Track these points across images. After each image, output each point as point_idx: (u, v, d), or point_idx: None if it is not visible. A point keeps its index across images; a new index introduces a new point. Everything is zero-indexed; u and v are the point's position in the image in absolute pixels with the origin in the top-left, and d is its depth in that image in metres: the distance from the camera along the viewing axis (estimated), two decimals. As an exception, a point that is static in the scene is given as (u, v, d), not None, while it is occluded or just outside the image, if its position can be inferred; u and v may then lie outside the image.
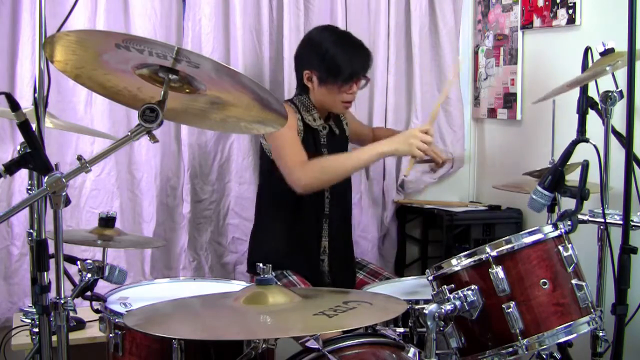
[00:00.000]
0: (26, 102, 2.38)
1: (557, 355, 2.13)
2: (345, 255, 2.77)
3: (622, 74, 2.14)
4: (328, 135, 2.68)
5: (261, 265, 1.65)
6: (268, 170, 2.66)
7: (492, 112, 3.38)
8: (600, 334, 2.13)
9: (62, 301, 1.53)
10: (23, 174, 2.27)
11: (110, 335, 1.90)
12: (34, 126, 1.57)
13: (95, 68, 1.60)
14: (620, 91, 2.20)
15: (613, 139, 2.22)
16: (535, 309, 1.66)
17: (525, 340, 1.65)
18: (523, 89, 3.18)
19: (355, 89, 2.59)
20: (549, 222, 2.02)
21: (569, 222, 1.73)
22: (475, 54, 3.48)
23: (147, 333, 1.68)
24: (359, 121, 3.06)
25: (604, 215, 1.92)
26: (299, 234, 2.64)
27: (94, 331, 2.38)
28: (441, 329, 1.64)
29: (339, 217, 2.72)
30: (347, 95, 2.58)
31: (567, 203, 1.86)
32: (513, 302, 1.65)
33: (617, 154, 2.15)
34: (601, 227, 2.20)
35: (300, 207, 2.61)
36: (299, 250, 2.63)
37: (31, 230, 2.13)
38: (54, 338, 1.55)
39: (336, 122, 2.76)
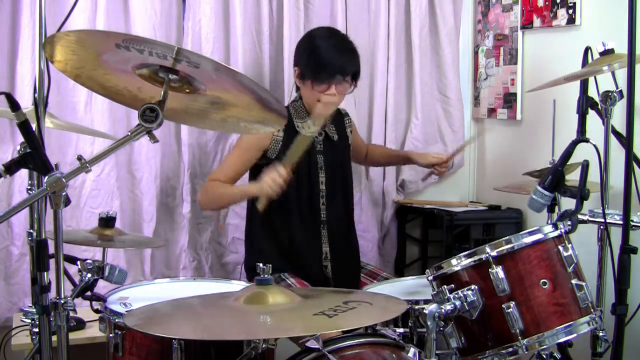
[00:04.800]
0: (26, 102, 2.37)
1: (557, 355, 2.13)
2: (350, 259, 2.75)
3: (622, 74, 2.14)
4: (324, 142, 2.66)
5: (261, 265, 1.65)
6: (256, 177, 2.64)
7: (492, 112, 3.38)
8: (600, 334, 2.13)
9: (62, 301, 1.53)
10: (23, 174, 2.27)
11: (110, 335, 1.90)
12: (34, 126, 1.57)
13: (95, 68, 1.60)
14: (620, 91, 2.20)
15: (613, 139, 2.22)
16: (535, 309, 1.66)
17: (525, 340, 1.65)
18: (523, 89, 3.18)
19: (333, 90, 2.51)
20: (549, 222, 2.02)
21: (569, 222, 1.73)
22: (475, 54, 3.48)
23: (147, 333, 1.68)
24: (359, 135, 3.03)
25: (604, 215, 1.92)
26: (293, 241, 2.61)
27: (94, 331, 2.38)
28: (441, 329, 1.64)
29: (339, 222, 2.70)
30: (324, 96, 2.52)
31: (567, 203, 1.85)
32: (513, 302, 1.65)
33: (617, 154, 2.15)
34: (601, 227, 2.21)
35: (292, 214, 2.60)
36: (297, 257, 2.60)
37: (31, 230, 2.13)
38: (54, 338, 1.55)
39: (337, 128, 2.73)
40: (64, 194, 1.47)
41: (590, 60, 2.29)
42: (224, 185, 2.58)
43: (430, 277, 1.78)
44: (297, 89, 2.66)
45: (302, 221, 2.61)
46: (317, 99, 2.54)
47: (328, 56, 2.50)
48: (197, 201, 2.85)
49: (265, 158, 2.58)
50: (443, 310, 1.61)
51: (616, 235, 1.78)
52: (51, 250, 1.53)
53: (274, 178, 2.34)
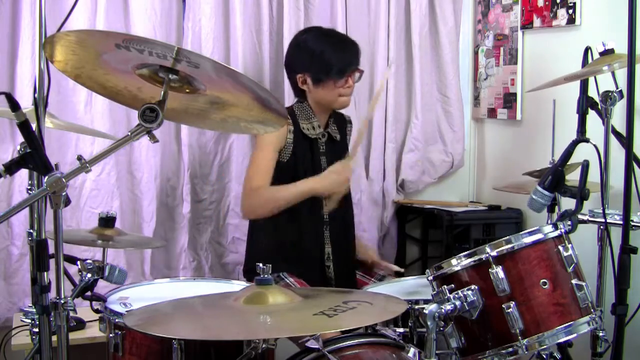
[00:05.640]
0: (26, 102, 2.37)
1: (557, 355, 2.13)
2: (349, 259, 2.75)
3: (622, 74, 2.14)
4: (327, 143, 2.67)
5: (261, 265, 1.65)
6: None
7: (492, 112, 3.38)
8: (600, 334, 2.13)
9: (62, 301, 1.53)
10: (23, 174, 2.26)
11: (110, 335, 1.90)
12: (34, 126, 1.57)
13: (95, 68, 1.60)
14: (620, 91, 2.21)
15: (613, 139, 2.22)
16: (535, 309, 1.65)
17: (525, 340, 1.65)
18: (523, 89, 3.18)
19: (350, 82, 2.59)
20: (549, 222, 2.02)
21: (569, 222, 1.73)
22: (475, 54, 3.48)
23: (147, 333, 1.67)
24: None
25: (604, 215, 1.92)
26: (296, 241, 2.61)
27: (94, 331, 2.38)
28: (441, 329, 1.64)
29: (340, 222, 2.70)
30: (344, 89, 2.59)
31: (567, 203, 1.85)
32: (513, 302, 1.65)
33: (617, 154, 2.16)
34: (601, 227, 2.20)
35: (296, 214, 2.59)
36: (300, 257, 2.60)
37: (31, 230, 2.13)
38: (54, 338, 1.55)
39: (339, 128, 2.74)
40: (64, 194, 1.47)
41: (590, 60, 2.29)
42: (277, 188, 2.53)
43: (430, 277, 1.78)
44: (299, 93, 2.65)
45: (306, 222, 2.62)
46: (339, 94, 2.59)
47: (337, 55, 2.56)
48: (243, 212, 2.68)
49: (278, 163, 2.58)
50: (443, 310, 1.61)
51: (616, 235, 1.78)
52: (51, 250, 1.53)
53: (345, 173, 2.44)
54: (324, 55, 2.54)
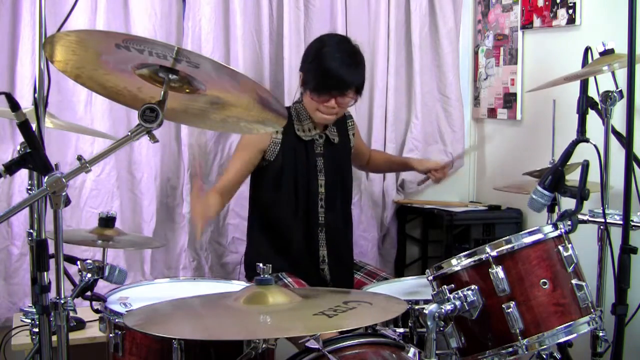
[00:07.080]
0: (26, 102, 2.37)
1: (557, 355, 2.13)
2: (346, 261, 2.74)
3: (622, 74, 2.14)
4: (324, 144, 2.64)
5: (261, 265, 1.65)
6: (256, 178, 2.65)
7: (492, 112, 3.38)
8: (600, 334, 2.13)
9: (62, 301, 1.53)
10: (23, 174, 2.26)
11: (110, 335, 1.90)
12: (34, 126, 1.57)
13: (95, 68, 1.60)
14: (620, 91, 2.20)
15: (613, 139, 2.22)
16: (535, 309, 1.66)
17: (525, 340, 1.65)
18: (523, 89, 3.18)
19: (332, 104, 2.49)
20: (549, 222, 2.02)
21: (569, 222, 1.73)
22: (475, 54, 3.48)
23: (147, 333, 1.68)
24: (362, 139, 3.01)
25: (604, 215, 1.92)
26: (289, 243, 2.60)
27: (94, 331, 2.38)
28: (441, 329, 1.64)
29: (337, 225, 2.68)
30: (323, 107, 2.51)
31: (567, 203, 1.86)
32: (513, 302, 1.65)
33: (617, 154, 2.15)
34: (601, 227, 2.20)
35: (287, 216, 2.59)
36: (294, 259, 2.60)
37: (31, 230, 2.13)
38: (54, 338, 1.55)
39: (339, 130, 2.70)
40: (64, 194, 1.47)
41: (590, 60, 2.29)
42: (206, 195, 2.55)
43: (430, 277, 1.78)
44: (302, 92, 2.65)
45: (300, 224, 2.60)
46: (317, 108, 2.53)
47: (329, 71, 2.46)
48: None
49: (265, 160, 2.58)
50: (443, 310, 1.61)
51: (616, 235, 1.78)
52: (51, 250, 1.53)
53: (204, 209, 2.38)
54: (318, 64, 2.47)
